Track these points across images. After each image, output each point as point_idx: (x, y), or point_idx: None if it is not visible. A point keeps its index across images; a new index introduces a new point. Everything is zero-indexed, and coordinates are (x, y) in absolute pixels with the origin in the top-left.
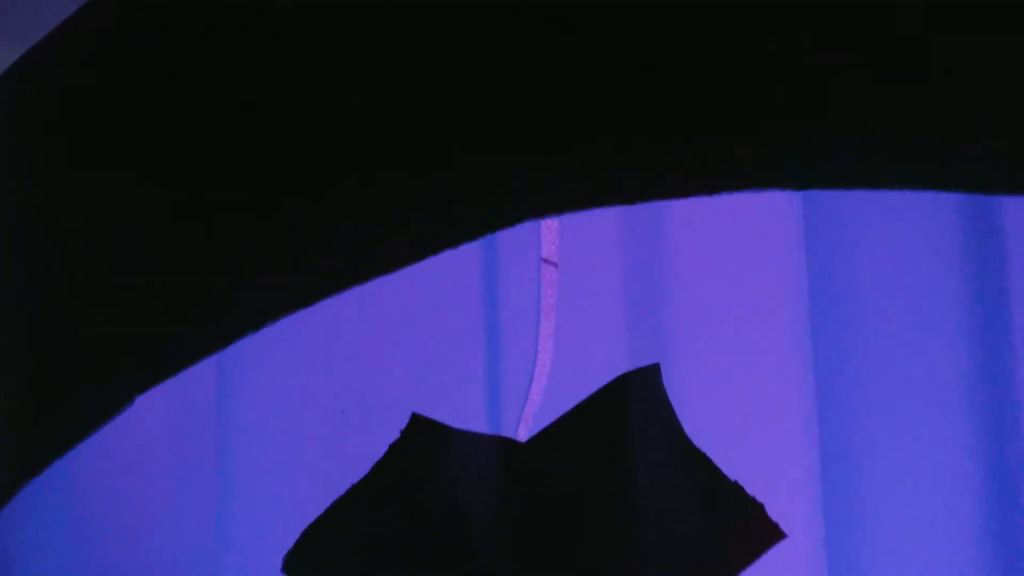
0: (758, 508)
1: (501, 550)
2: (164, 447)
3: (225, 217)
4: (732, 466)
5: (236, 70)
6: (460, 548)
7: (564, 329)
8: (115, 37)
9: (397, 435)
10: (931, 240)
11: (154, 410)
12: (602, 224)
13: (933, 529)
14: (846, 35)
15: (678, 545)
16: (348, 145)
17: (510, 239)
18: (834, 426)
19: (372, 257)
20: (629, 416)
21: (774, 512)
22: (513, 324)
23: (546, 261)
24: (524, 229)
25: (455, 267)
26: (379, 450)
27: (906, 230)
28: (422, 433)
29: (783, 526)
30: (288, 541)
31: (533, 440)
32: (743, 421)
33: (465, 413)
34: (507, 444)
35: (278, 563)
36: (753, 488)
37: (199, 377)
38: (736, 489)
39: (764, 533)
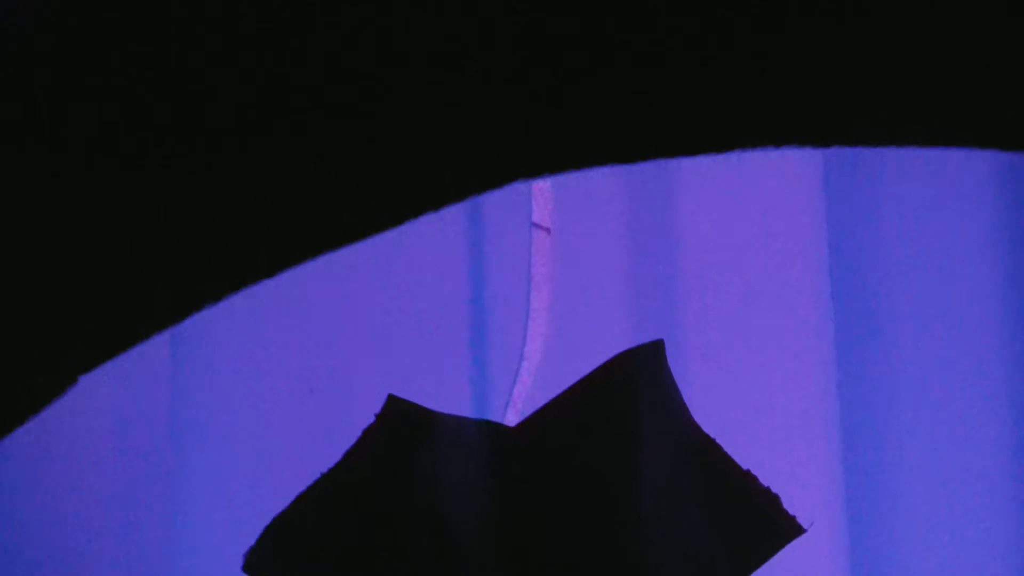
0: (773, 499)
1: (486, 550)
2: (112, 434)
3: (180, 169)
4: (744, 453)
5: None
6: (440, 546)
7: (559, 302)
8: None
9: (371, 419)
10: (963, 203)
11: (102, 395)
12: (601, 185)
13: (965, 524)
14: None
15: (684, 541)
16: (316, 97)
17: (497, 203)
18: (857, 410)
19: (344, 221)
20: (630, 398)
21: (791, 504)
22: (501, 297)
23: (538, 226)
24: (513, 192)
25: (436, 234)
26: (351, 436)
27: (936, 192)
28: (399, 417)
29: (801, 519)
30: (248, 536)
31: (523, 425)
32: (757, 404)
33: (447, 395)
34: (494, 429)
35: (236, 561)
36: (767, 477)
37: (150, 359)
38: (748, 478)
39: (780, 527)
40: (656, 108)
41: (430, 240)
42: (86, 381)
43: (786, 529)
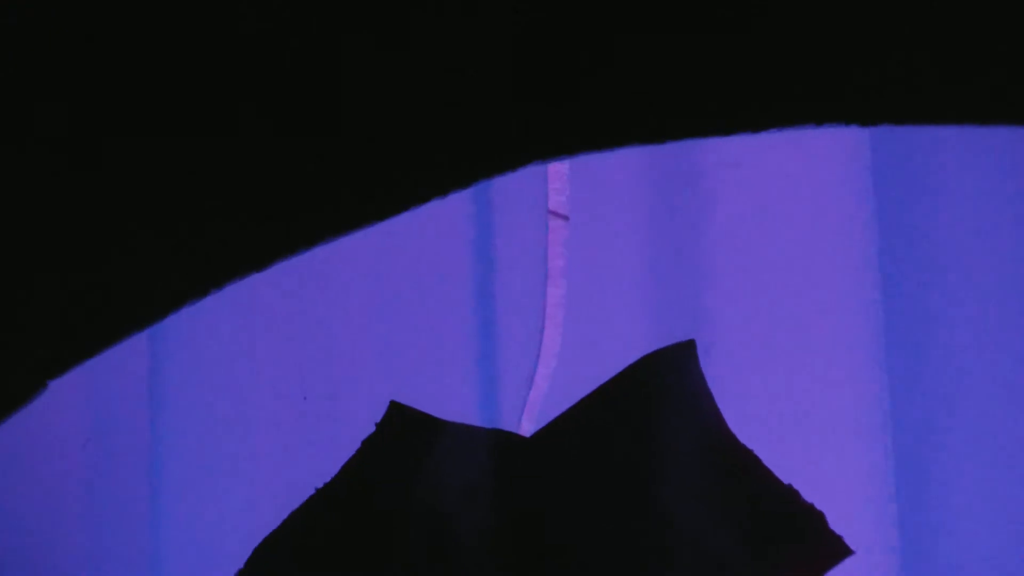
0: (817, 518)
1: (497, 572)
2: (90, 437)
3: (160, 156)
4: (784, 464)
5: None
6: (448, 568)
7: (577, 298)
8: None
9: (371, 428)
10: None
11: (78, 398)
12: (623, 168)
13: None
14: None
15: (717, 564)
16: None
17: (509, 188)
18: (911, 415)
19: (340, 208)
20: (658, 405)
21: (838, 522)
22: (513, 292)
23: (554, 214)
24: (526, 175)
25: (440, 222)
26: (349, 446)
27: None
28: (402, 426)
29: (849, 539)
30: (234, 546)
31: (539, 435)
32: (798, 409)
33: (454, 401)
34: (507, 440)
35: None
36: (810, 491)
37: (128, 360)
38: (789, 494)
39: (825, 548)
40: (685, 82)
41: (434, 230)
42: (61, 384)
43: (832, 550)
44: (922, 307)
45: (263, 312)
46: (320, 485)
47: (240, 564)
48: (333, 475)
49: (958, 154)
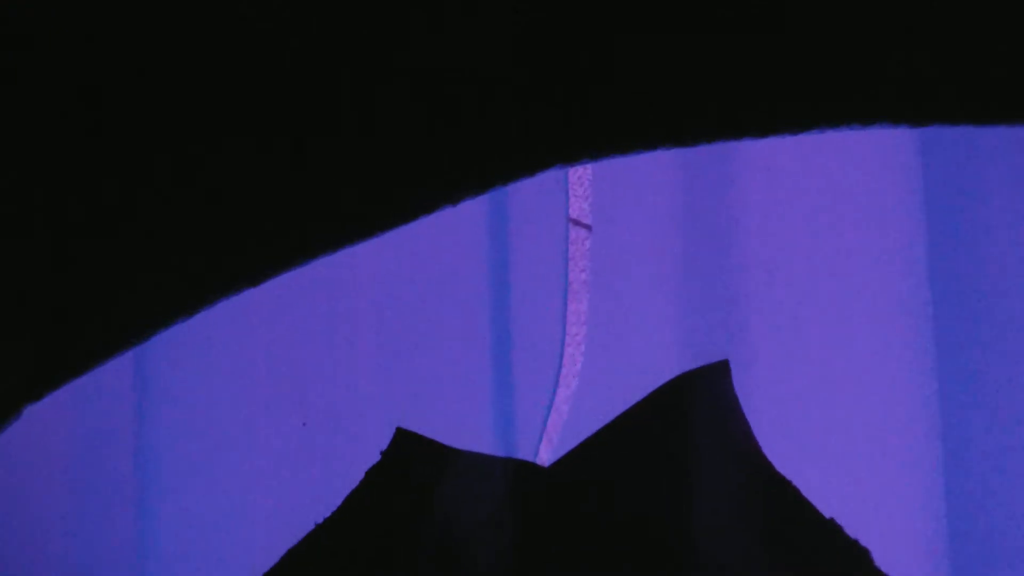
0: (862, 554)
1: None
2: (74, 461)
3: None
4: (825, 496)
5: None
6: None
7: (600, 314)
8: None
9: (376, 457)
10: None
11: (62, 420)
12: (649, 173)
13: None
14: None
15: None
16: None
17: (526, 195)
18: (964, 440)
19: (342, 219)
20: (689, 432)
21: (884, 555)
22: (530, 308)
23: (575, 223)
24: (544, 181)
25: (453, 232)
26: (352, 477)
27: None
28: (410, 454)
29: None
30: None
31: (559, 464)
32: (840, 437)
33: (467, 427)
34: (523, 470)
35: None
36: (854, 522)
37: (112, 383)
38: (831, 528)
39: None
40: (713, 80)
41: (445, 241)
42: (43, 407)
43: None
44: (978, 324)
45: (258, 331)
46: (320, 519)
47: None
48: (334, 508)
49: (1015, 157)
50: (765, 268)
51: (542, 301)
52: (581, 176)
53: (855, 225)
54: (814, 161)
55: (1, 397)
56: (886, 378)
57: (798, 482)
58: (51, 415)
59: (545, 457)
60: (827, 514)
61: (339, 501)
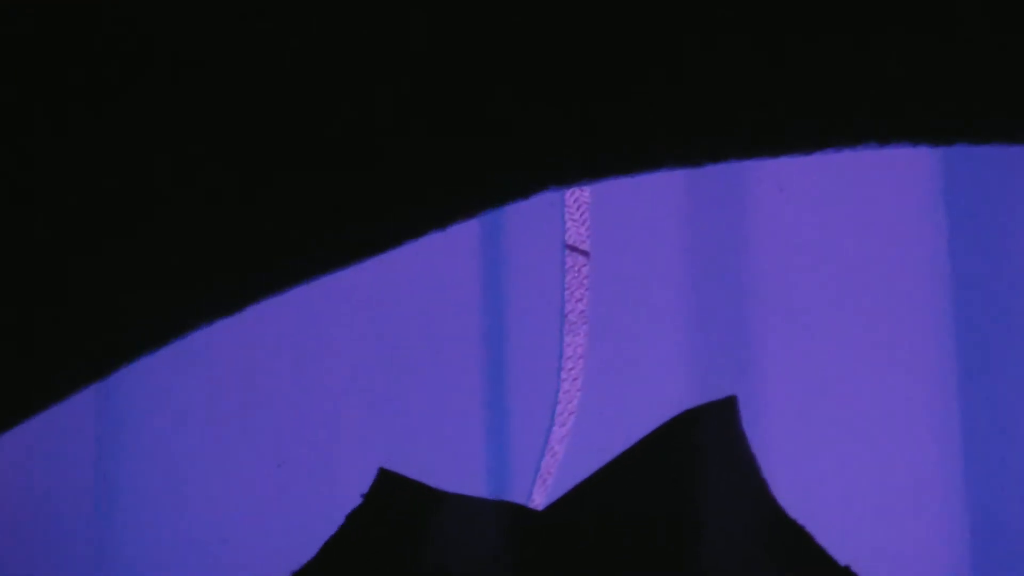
0: None
1: None
2: (30, 511)
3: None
4: (840, 541)
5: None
6: None
7: (599, 347)
8: None
9: (357, 499)
10: None
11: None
12: (655, 196)
13: None
14: None
15: None
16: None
17: (521, 219)
18: (989, 473)
19: (322, 245)
20: (693, 473)
21: None
22: (525, 340)
23: (573, 249)
24: (541, 204)
25: (442, 258)
26: (331, 521)
27: None
28: (393, 497)
29: None
30: None
31: (554, 507)
32: (857, 479)
33: (456, 467)
34: (516, 514)
35: None
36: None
37: (72, 420)
38: None
39: None
40: (721, 95)
41: (433, 267)
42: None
43: None
44: (1004, 355)
45: (228, 362)
46: (296, 567)
47: None
48: (310, 556)
49: None
50: (778, 298)
51: (537, 333)
52: (579, 199)
53: (875, 249)
54: (831, 182)
55: None
56: (907, 419)
57: (811, 526)
58: (6, 455)
59: (539, 500)
60: (843, 561)
61: (315, 548)
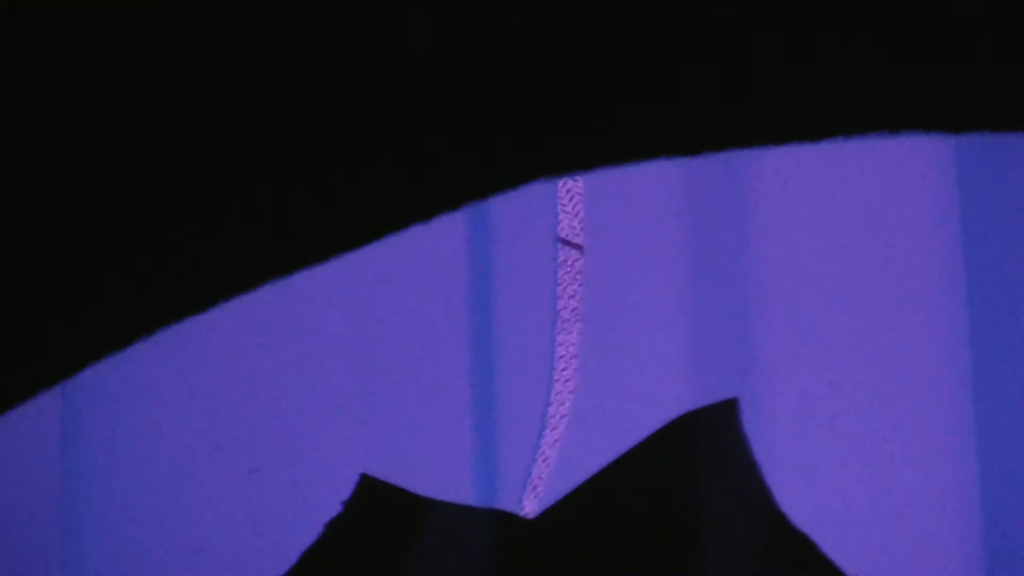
0: None
1: None
2: None
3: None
4: (847, 551)
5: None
6: None
7: (593, 346)
8: None
9: (338, 507)
10: None
11: None
12: (650, 188)
13: None
14: None
15: None
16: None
17: (511, 211)
18: (1006, 499)
19: (300, 239)
20: (692, 478)
21: None
22: (515, 339)
23: (566, 243)
24: (531, 196)
25: (428, 253)
26: (309, 530)
27: None
28: (376, 504)
29: None
30: None
31: (546, 515)
32: (863, 486)
33: (443, 473)
34: (506, 522)
35: None
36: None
37: (37, 424)
38: None
39: None
40: (720, 82)
41: (419, 262)
42: None
43: None
44: (1018, 357)
45: (199, 362)
46: None
47: None
48: (289, 567)
49: None
50: (780, 294)
51: (528, 332)
52: (572, 190)
53: (882, 245)
54: (837, 174)
55: None
56: (916, 421)
57: (815, 534)
58: None
59: (530, 508)
60: (849, 571)
61: (294, 559)
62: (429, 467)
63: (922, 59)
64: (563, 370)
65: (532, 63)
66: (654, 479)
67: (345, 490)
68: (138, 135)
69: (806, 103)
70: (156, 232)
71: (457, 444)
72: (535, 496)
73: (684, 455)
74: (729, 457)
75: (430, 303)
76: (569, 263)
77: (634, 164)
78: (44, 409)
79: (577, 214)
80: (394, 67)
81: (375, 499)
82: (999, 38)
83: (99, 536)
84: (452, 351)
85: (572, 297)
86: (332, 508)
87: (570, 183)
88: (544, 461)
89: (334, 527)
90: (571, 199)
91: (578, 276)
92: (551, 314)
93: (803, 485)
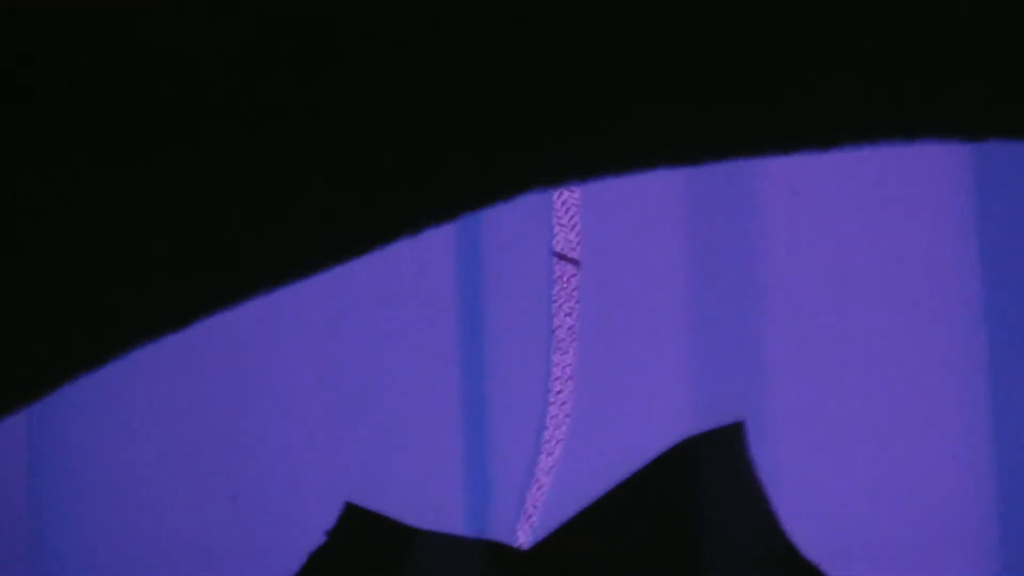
0: None
1: None
2: None
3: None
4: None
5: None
6: None
7: (590, 367)
8: None
9: (321, 537)
10: None
11: None
12: (652, 199)
13: None
14: None
15: None
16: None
17: (504, 224)
18: None
19: (280, 256)
20: (696, 506)
21: None
22: (507, 359)
23: (561, 257)
24: (525, 207)
25: (414, 268)
26: (291, 562)
27: None
28: (361, 534)
29: None
30: None
31: (542, 546)
32: (877, 513)
33: (432, 501)
34: (498, 553)
35: None
36: None
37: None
38: None
39: None
40: (731, 83)
41: (405, 278)
42: None
43: None
44: None
45: (178, 383)
46: None
47: None
48: None
49: None
50: (790, 312)
51: (521, 352)
52: (568, 201)
53: (895, 259)
54: (849, 183)
55: None
56: (932, 444)
57: (825, 563)
58: None
59: (524, 538)
60: None
61: None
62: (417, 495)
63: (934, 65)
64: (559, 392)
65: (532, 63)
66: (655, 507)
67: (329, 519)
68: (137, 135)
69: (816, 109)
70: (145, 240)
71: (447, 471)
72: (529, 526)
73: (687, 482)
74: (735, 485)
75: (418, 322)
76: (565, 279)
77: (636, 171)
78: (8, 429)
79: (573, 227)
80: (395, 67)
81: (360, 529)
82: (1014, 43)
83: (73, 565)
84: (442, 373)
85: (568, 315)
86: (316, 538)
87: (566, 194)
88: (539, 488)
89: (318, 557)
90: (567, 211)
91: (574, 292)
92: (546, 333)
93: (812, 512)
